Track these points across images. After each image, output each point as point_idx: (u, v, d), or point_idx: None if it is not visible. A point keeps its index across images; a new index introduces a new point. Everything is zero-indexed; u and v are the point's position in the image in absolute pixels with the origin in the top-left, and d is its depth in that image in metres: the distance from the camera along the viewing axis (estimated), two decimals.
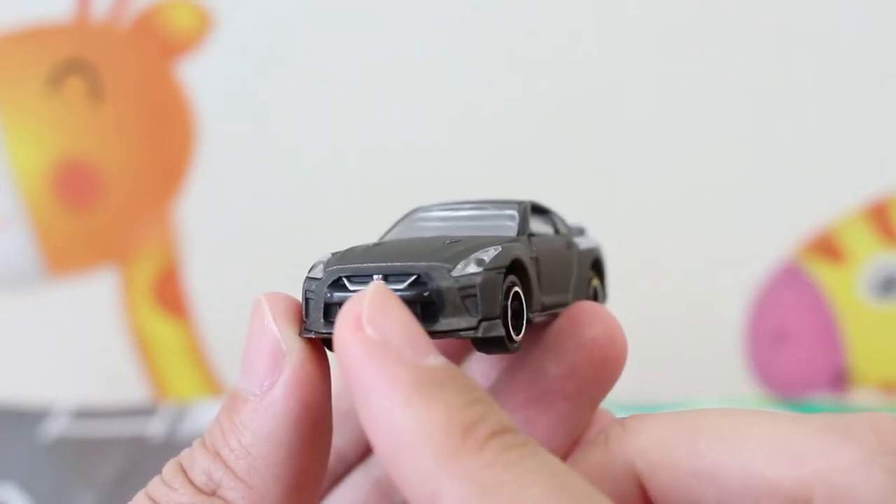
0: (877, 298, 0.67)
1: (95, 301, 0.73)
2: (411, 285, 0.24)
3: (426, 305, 0.24)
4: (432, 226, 0.30)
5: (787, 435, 0.22)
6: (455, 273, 0.24)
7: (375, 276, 0.24)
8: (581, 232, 0.35)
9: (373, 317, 0.21)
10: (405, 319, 0.22)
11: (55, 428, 0.70)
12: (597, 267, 0.34)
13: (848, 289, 0.67)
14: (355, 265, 0.25)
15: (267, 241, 0.71)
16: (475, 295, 0.24)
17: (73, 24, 0.69)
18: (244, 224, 0.71)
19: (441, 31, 0.66)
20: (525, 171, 0.67)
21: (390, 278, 0.24)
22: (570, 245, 0.32)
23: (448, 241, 0.26)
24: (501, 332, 0.25)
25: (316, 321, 0.25)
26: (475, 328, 0.24)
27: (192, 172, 0.70)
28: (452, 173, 0.67)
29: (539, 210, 0.31)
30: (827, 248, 0.67)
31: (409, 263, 0.25)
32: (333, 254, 0.27)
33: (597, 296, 0.33)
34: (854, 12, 0.62)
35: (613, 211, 0.66)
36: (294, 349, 0.24)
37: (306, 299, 0.26)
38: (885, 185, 0.65)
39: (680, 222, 0.67)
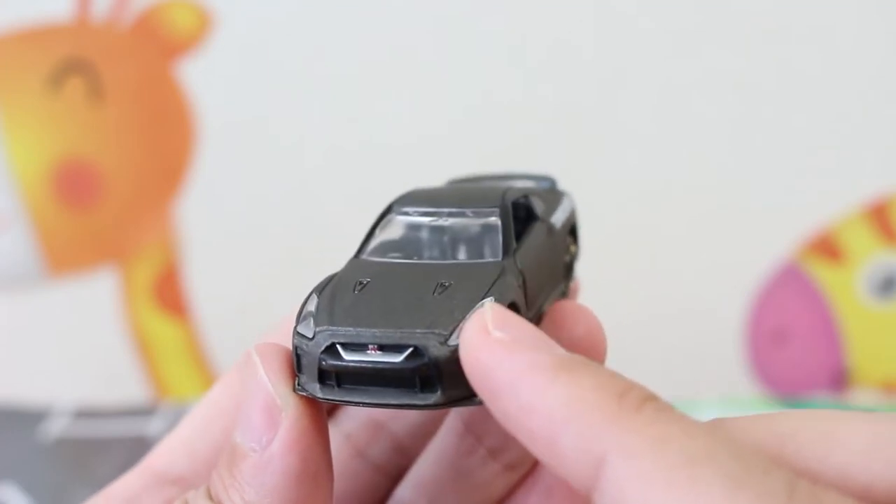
0: (877, 298, 0.67)
1: (95, 301, 0.73)
2: (408, 357, 0.24)
3: (425, 377, 0.24)
4: (413, 237, 0.29)
5: (882, 435, 0.21)
6: (452, 342, 0.24)
7: (370, 347, 0.24)
8: (552, 183, 0.34)
9: (497, 324, 0.22)
10: (526, 324, 0.22)
11: (55, 428, 0.70)
12: (573, 233, 0.33)
13: (848, 289, 0.67)
14: (348, 329, 0.24)
15: (267, 241, 0.71)
16: None
17: (73, 24, 0.69)
18: (244, 224, 0.71)
19: (441, 31, 0.66)
20: (524, 170, 0.67)
21: (386, 347, 0.24)
22: (551, 231, 0.31)
23: (437, 292, 0.25)
24: None
25: (311, 383, 0.25)
26: (477, 395, 0.23)
27: (192, 172, 0.70)
28: (452, 173, 0.67)
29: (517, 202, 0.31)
30: (827, 248, 0.67)
31: (404, 332, 0.24)
32: (319, 294, 0.26)
33: (572, 262, 0.33)
34: (855, 12, 0.62)
35: (613, 211, 0.66)
36: (290, 405, 0.24)
37: (297, 354, 0.25)
38: (885, 185, 0.65)
39: (679, 222, 0.67)
